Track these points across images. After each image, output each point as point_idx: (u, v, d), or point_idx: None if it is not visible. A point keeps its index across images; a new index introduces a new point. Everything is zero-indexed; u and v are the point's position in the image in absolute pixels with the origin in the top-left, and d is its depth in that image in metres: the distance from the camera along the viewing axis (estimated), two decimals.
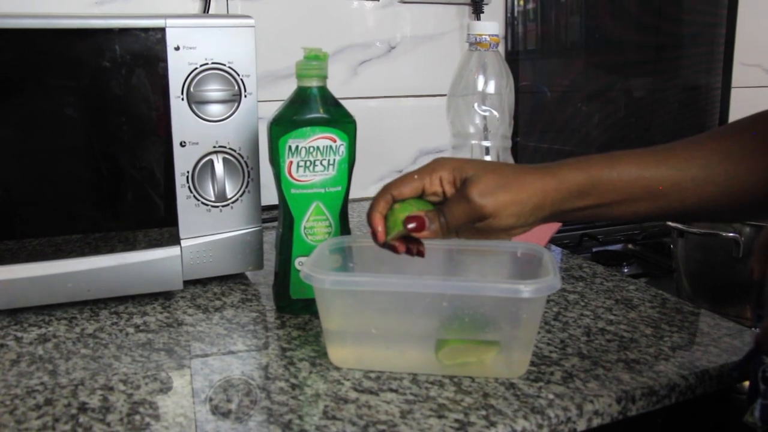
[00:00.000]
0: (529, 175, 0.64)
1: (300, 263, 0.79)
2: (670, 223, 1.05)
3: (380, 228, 0.65)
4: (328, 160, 0.77)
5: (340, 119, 0.77)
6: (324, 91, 0.77)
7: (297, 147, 0.76)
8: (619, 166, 0.64)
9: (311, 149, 0.76)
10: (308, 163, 0.77)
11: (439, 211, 0.64)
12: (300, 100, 0.77)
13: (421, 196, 0.65)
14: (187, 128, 0.82)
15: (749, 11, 1.70)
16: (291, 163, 0.76)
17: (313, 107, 0.76)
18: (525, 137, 1.47)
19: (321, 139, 0.76)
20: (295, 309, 0.81)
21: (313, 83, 0.76)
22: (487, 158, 0.87)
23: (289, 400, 0.63)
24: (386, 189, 0.66)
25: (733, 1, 1.69)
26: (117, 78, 0.78)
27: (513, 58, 1.43)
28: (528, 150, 1.47)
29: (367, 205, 1.30)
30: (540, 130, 1.54)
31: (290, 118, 0.76)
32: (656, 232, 1.38)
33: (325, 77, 0.77)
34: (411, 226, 0.63)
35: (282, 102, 0.79)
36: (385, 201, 0.65)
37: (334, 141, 0.77)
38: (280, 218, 0.80)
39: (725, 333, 0.77)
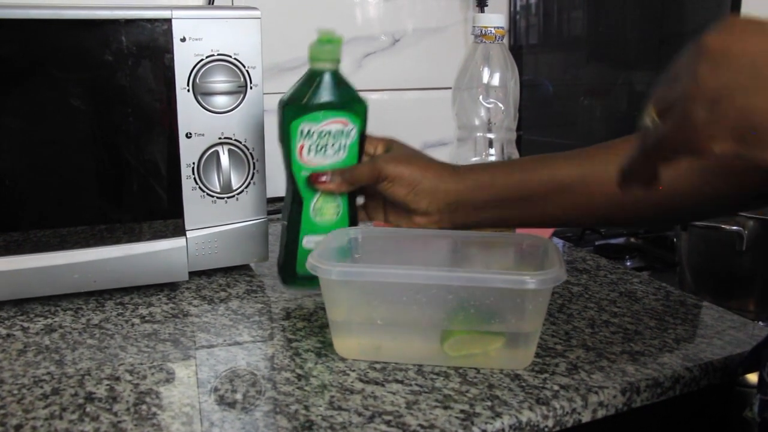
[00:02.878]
0: (437, 164, 0.76)
1: (308, 242, 0.79)
2: None
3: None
4: (340, 144, 0.77)
5: (352, 103, 0.77)
6: (337, 75, 0.77)
7: (309, 131, 0.76)
8: (519, 164, 0.74)
9: (323, 133, 0.76)
10: (320, 147, 0.76)
11: (342, 170, 0.76)
12: (313, 84, 0.76)
13: None
14: (192, 120, 0.82)
15: (752, 5, 1.70)
16: (302, 146, 0.76)
17: (326, 91, 0.76)
18: (527, 131, 1.47)
19: (333, 124, 0.76)
20: (301, 283, 0.81)
21: (327, 66, 0.76)
22: (492, 151, 0.87)
23: (294, 391, 0.63)
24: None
25: None
26: (123, 69, 0.78)
27: (516, 52, 1.43)
28: (530, 144, 1.47)
29: None
30: (542, 125, 1.54)
31: (303, 102, 0.76)
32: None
33: (338, 61, 0.76)
34: (311, 181, 0.76)
35: (294, 82, 0.78)
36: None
37: (346, 125, 0.77)
38: (289, 197, 0.80)
39: (729, 325, 0.77)
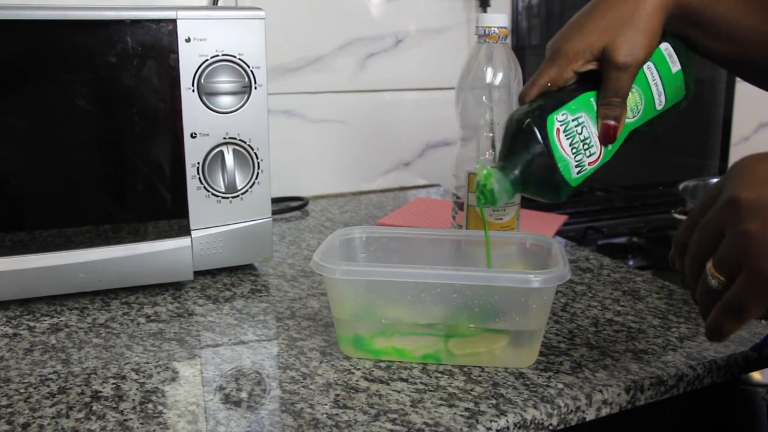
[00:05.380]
0: (646, 7, 0.66)
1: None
2: (676, 216, 1.05)
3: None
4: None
5: None
6: None
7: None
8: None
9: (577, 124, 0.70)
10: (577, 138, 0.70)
11: (606, 100, 0.67)
12: None
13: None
14: (197, 120, 0.83)
15: None
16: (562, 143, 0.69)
17: None
18: None
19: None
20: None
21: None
22: (495, 151, 0.87)
23: (300, 389, 0.64)
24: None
25: None
26: (128, 70, 0.79)
27: (518, 53, 1.43)
28: None
29: (373, 197, 1.31)
30: None
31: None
32: (662, 225, 1.39)
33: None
34: (607, 137, 0.67)
35: None
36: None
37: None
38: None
39: None
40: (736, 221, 0.47)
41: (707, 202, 0.51)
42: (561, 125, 0.66)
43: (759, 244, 0.45)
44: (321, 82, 1.30)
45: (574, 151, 0.66)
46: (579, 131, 0.67)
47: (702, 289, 0.50)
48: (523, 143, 0.67)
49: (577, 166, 0.67)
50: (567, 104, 0.67)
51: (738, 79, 1.71)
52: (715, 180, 1.23)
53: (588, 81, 0.69)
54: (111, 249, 0.81)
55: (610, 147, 0.69)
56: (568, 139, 0.66)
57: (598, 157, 0.68)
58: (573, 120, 0.67)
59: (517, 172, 0.66)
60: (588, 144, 0.67)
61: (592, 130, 0.67)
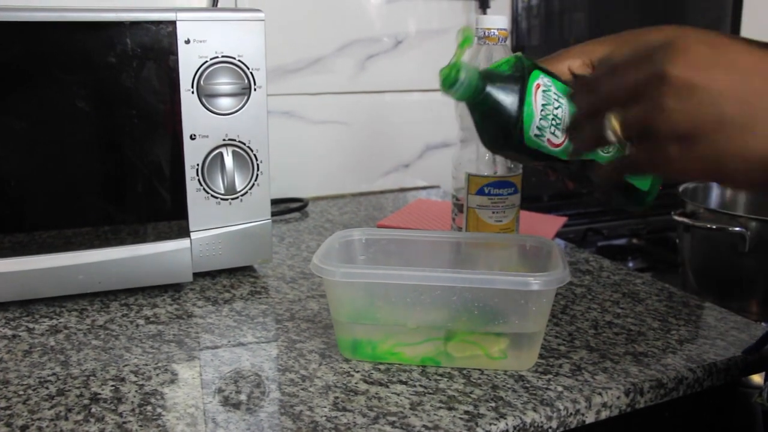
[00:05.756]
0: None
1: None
2: (676, 218, 1.05)
3: None
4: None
5: None
6: None
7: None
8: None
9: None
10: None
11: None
12: None
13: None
14: (197, 121, 0.83)
15: (754, 7, 1.70)
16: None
17: None
18: None
19: None
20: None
21: None
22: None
23: (299, 392, 0.63)
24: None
25: None
26: (128, 71, 0.79)
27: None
28: None
29: (373, 198, 1.31)
30: None
31: None
32: (661, 227, 1.39)
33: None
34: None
35: None
36: None
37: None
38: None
39: (732, 326, 0.77)
40: (658, 94, 0.46)
41: (633, 58, 0.49)
42: (543, 86, 0.66)
43: (672, 123, 0.46)
44: (321, 83, 1.30)
45: (543, 114, 0.66)
46: (555, 106, 0.67)
47: (592, 132, 0.51)
48: (506, 69, 0.67)
49: (538, 129, 0.66)
50: (555, 80, 0.68)
51: None
52: None
53: None
54: (110, 250, 0.81)
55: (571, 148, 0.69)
56: (543, 100, 0.66)
57: (559, 144, 0.68)
58: (555, 93, 0.67)
59: (488, 85, 0.66)
60: (557, 125, 0.67)
61: (566, 119, 0.67)
